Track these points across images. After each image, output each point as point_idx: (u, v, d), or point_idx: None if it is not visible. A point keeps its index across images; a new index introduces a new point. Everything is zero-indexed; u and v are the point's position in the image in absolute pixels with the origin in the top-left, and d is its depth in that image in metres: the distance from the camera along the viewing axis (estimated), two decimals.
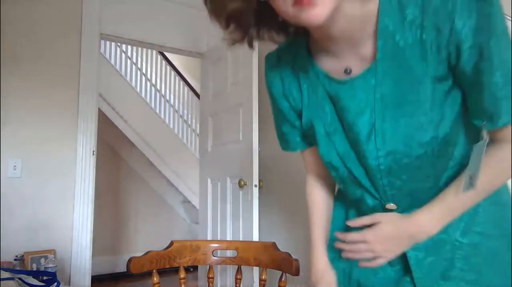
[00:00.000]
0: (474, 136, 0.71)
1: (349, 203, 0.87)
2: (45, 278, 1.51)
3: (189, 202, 5.15)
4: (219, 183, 2.76)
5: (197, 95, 5.22)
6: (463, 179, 0.67)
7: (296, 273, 1.33)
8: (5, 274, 1.35)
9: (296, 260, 1.35)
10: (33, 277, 1.43)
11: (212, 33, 3.12)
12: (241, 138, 2.51)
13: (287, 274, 1.38)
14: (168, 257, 1.47)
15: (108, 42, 4.60)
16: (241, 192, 2.48)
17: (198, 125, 4.47)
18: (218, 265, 2.53)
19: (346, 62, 0.71)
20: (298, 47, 0.78)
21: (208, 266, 1.54)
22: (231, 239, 2.54)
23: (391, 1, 0.65)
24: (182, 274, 1.48)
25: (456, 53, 0.62)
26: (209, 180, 2.91)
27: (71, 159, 2.45)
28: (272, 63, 0.84)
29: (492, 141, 0.67)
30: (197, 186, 3.35)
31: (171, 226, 5.21)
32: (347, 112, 0.72)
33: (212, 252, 1.54)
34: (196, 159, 4.46)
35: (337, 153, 0.76)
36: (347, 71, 0.71)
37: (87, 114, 2.52)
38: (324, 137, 0.77)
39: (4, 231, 2.17)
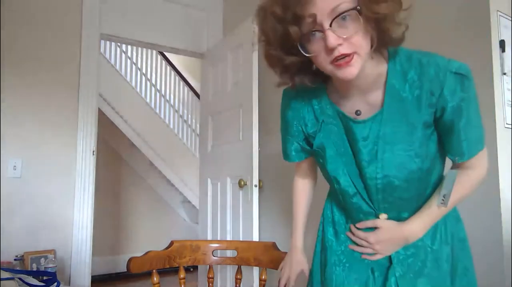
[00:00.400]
0: (442, 166, 0.98)
1: (345, 210, 1.06)
2: (45, 278, 1.51)
3: (189, 202, 5.15)
4: (219, 183, 2.76)
5: (197, 95, 5.22)
6: (437, 196, 0.93)
7: None
8: (5, 274, 1.35)
9: None
10: (33, 277, 1.44)
11: (212, 33, 3.13)
12: (241, 138, 2.51)
13: None
14: (168, 257, 1.47)
15: (108, 42, 4.60)
16: (241, 192, 2.48)
17: (198, 125, 4.47)
18: (218, 265, 2.53)
19: (356, 105, 0.93)
20: (316, 88, 0.97)
21: (208, 266, 1.54)
22: (231, 239, 2.54)
23: (396, 66, 0.89)
24: (182, 274, 1.48)
25: (441, 110, 0.87)
26: (209, 180, 2.91)
27: (71, 159, 2.46)
28: (290, 95, 1.05)
29: (460, 168, 0.94)
30: (197, 186, 3.35)
31: (171, 226, 5.21)
32: (356, 142, 0.94)
33: (212, 252, 1.54)
34: (196, 159, 4.46)
35: (345, 170, 0.97)
36: (357, 113, 0.93)
37: (87, 114, 2.52)
38: (333, 157, 0.98)
39: (4, 231, 2.17)
